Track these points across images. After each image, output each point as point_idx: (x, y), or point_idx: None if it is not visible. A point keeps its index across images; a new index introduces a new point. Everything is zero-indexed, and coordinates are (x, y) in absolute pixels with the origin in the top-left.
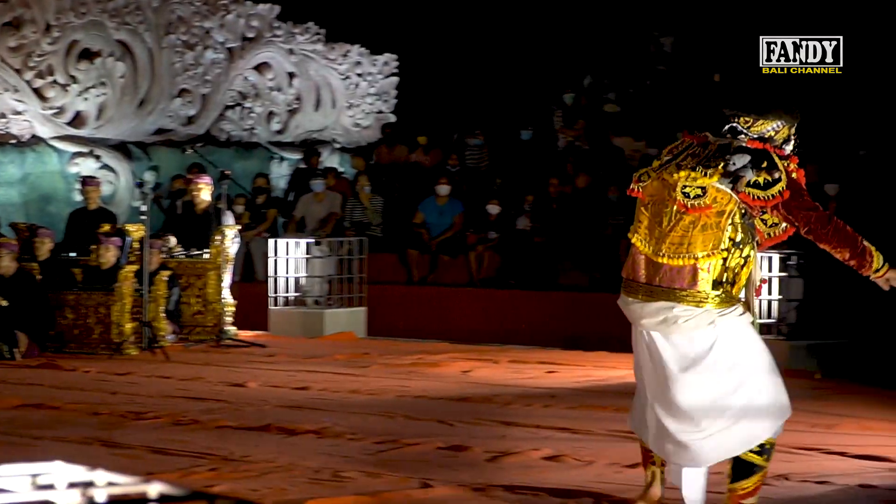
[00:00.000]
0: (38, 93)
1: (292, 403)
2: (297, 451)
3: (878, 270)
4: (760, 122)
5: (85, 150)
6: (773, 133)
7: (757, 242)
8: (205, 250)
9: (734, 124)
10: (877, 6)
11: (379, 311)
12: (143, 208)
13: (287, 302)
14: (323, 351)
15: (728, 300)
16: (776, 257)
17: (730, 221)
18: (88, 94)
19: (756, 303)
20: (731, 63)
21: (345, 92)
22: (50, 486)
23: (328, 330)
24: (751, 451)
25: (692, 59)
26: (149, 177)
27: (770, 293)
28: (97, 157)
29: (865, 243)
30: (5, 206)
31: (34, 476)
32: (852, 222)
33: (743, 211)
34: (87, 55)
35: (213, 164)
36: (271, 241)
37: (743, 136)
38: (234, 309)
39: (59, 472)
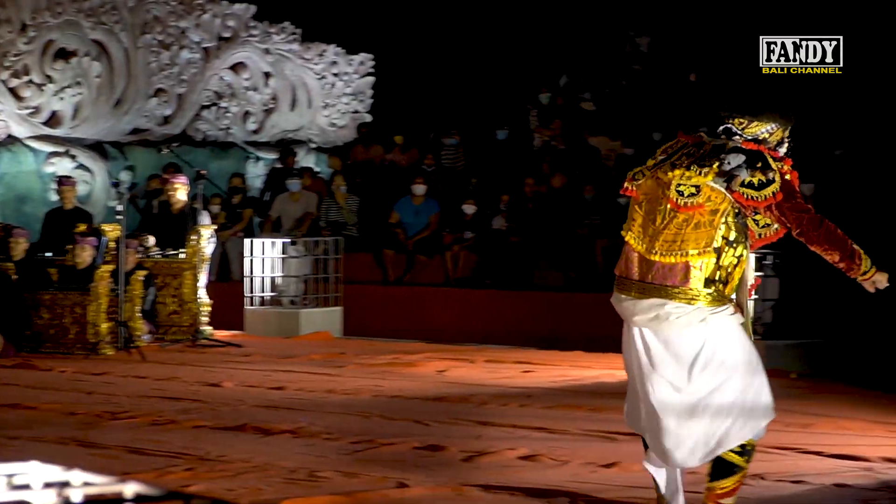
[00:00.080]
0: (13, 92)
1: (268, 403)
2: (273, 451)
3: (865, 273)
4: (755, 123)
5: (61, 149)
6: (767, 135)
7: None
8: (181, 250)
9: (729, 125)
10: (877, 6)
11: (355, 311)
12: (119, 208)
13: (263, 302)
14: (299, 351)
15: (720, 299)
16: (752, 257)
17: (723, 220)
18: (64, 94)
19: (750, 304)
20: (730, 63)
21: (321, 92)
22: (26, 487)
23: (304, 330)
24: (732, 451)
25: (668, 59)
26: (125, 176)
27: None
28: (73, 157)
29: (855, 246)
30: None
31: (10, 476)
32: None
33: (736, 210)
34: (63, 55)
35: (189, 164)
36: (247, 241)
37: (738, 137)
38: (209, 309)
39: (35, 472)
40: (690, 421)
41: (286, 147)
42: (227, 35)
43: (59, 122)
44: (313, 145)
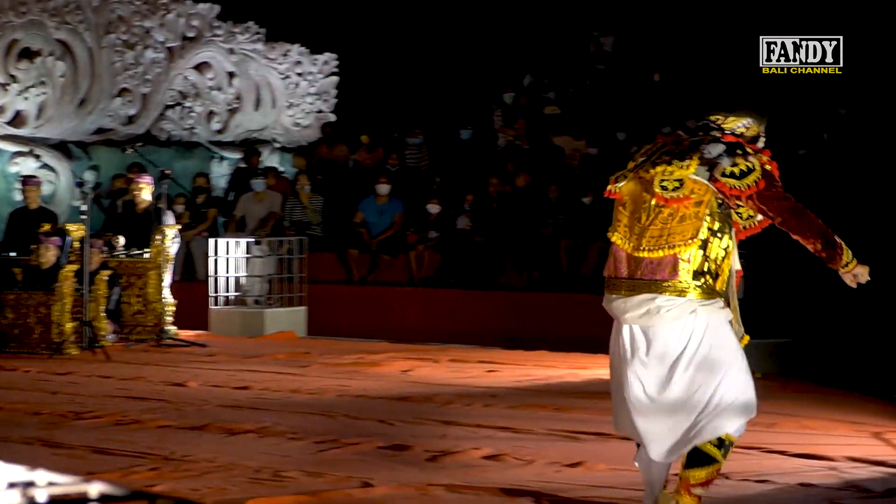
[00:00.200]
0: None
1: (233, 403)
2: (238, 451)
3: (847, 264)
4: (731, 118)
5: (25, 149)
6: (743, 129)
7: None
8: (145, 250)
9: (706, 121)
10: (877, 6)
11: (319, 311)
12: (84, 208)
13: (227, 301)
14: (263, 350)
15: (710, 292)
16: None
17: (708, 211)
18: (28, 94)
19: (736, 297)
20: (729, 63)
21: (285, 91)
22: None
23: (268, 329)
24: (710, 443)
25: (632, 58)
26: (89, 176)
27: None
28: (37, 157)
29: (836, 237)
30: None
31: None
32: None
33: (720, 201)
34: (28, 54)
35: (154, 164)
36: (211, 241)
37: (715, 131)
38: (174, 308)
39: None
40: (670, 419)
41: (250, 147)
42: (191, 35)
43: (23, 122)
44: (277, 145)
